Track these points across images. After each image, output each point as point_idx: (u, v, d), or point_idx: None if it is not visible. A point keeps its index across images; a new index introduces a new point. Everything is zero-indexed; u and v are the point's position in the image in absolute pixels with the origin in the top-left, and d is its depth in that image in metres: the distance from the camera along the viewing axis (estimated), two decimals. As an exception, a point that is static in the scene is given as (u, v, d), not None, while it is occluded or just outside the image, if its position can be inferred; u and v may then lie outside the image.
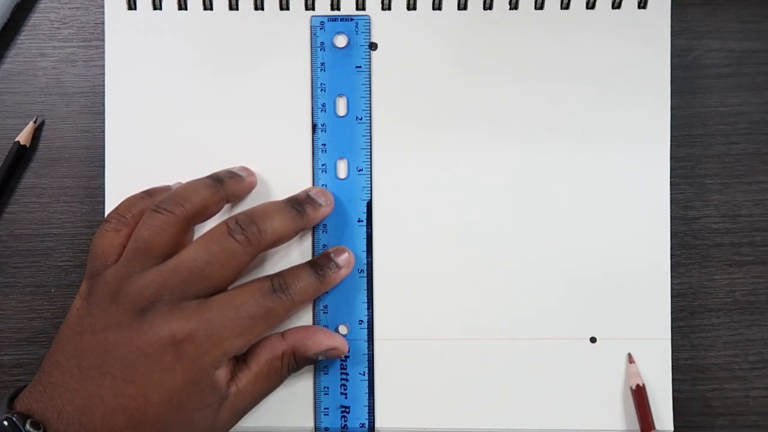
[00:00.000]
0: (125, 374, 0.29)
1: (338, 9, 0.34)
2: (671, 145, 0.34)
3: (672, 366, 0.34)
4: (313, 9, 0.34)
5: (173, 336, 0.29)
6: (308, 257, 0.34)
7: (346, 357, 0.34)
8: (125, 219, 0.31)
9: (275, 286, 0.30)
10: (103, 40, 0.35)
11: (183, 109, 0.35)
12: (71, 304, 0.31)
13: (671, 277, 0.34)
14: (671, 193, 0.34)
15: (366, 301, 0.34)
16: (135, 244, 0.30)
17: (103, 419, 0.28)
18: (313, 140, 0.34)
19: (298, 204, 0.32)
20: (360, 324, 0.34)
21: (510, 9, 0.34)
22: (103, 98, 0.35)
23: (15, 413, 0.28)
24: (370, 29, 0.34)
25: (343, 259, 0.33)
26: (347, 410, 0.34)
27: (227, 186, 0.32)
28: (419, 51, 0.34)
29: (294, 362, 0.32)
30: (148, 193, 0.33)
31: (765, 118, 0.35)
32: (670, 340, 0.34)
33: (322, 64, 0.34)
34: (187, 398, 0.29)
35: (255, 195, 0.34)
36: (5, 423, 0.28)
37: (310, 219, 0.33)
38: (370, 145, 0.34)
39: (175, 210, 0.30)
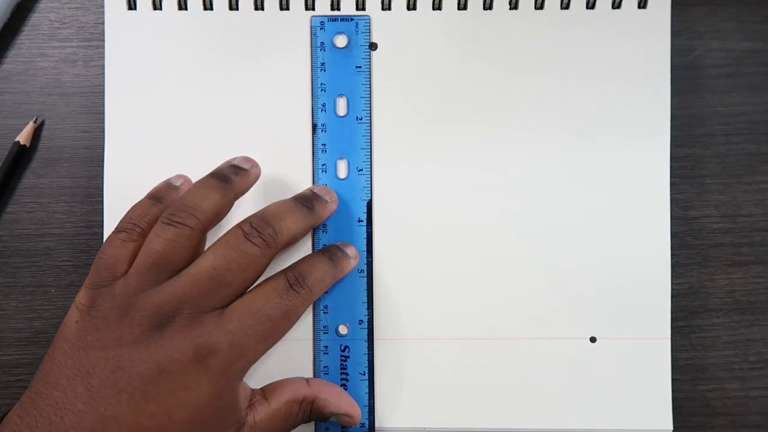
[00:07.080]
0: (145, 392, 0.27)
1: (338, 9, 0.34)
2: (671, 145, 0.34)
3: (672, 366, 0.34)
4: (313, 9, 0.34)
5: (197, 352, 0.27)
6: (308, 257, 0.34)
7: (347, 357, 0.34)
8: (140, 229, 0.30)
9: (291, 282, 0.30)
10: (103, 40, 0.35)
11: (183, 109, 0.35)
12: (66, 317, 0.29)
13: (671, 277, 0.34)
14: (671, 193, 0.34)
15: (366, 301, 0.34)
16: (148, 258, 0.28)
17: None
18: (313, 140, 0.34)
19: (307, 201, 0.32)
20: (360, 324, 0.34)
21: (510, 9, 0.34)
22: (103, 98, 0.35)
23: None
24: (370, 29, 0.34)
25: (351, 250, 0.33)
26: (347, 410, 0.34)
27: (235, 185, 0.31)
28: (419, 51, 0.34)
29: (309, 412, 0.31)
30: (157, 199, 0.31)
31: (765, 118, 0.35)
32: (670, 340, 0.34)
33: (322, 64, 0.34)
34: (210, 414, 0.28)
35: (256, 196, 0.34)
36: None
37: (319, 216, 0.32)
38: (370, 145, 0.34)
39: (189, 222, 0.29)
